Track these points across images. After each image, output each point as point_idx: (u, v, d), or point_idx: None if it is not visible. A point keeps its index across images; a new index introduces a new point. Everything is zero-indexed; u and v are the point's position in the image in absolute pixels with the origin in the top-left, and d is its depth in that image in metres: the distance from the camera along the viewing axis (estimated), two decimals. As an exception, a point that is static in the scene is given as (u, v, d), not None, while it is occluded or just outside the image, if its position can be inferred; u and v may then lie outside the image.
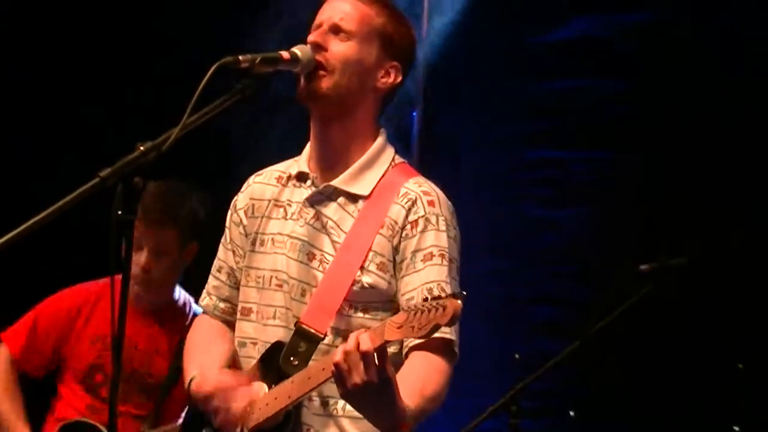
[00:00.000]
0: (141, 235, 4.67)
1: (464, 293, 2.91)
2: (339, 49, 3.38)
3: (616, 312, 4.51)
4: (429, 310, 2.89)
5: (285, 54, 3.27)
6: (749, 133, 5.93)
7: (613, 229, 6.20)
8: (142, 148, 2.87)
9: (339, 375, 3.00)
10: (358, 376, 2.97)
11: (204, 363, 3.47)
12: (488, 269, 6.10)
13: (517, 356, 5.20)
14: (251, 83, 3.10)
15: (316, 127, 3.47)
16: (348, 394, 3.05)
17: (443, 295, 3.04)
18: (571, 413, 6.37)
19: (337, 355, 2.99)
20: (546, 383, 4.84)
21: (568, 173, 6.50)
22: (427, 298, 2.94)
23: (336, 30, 3.41)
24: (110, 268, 2.80)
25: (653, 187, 6.18)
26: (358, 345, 2.96)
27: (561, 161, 6.54)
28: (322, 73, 3.36)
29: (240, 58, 3.09)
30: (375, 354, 2.96)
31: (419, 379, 3.22)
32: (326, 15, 3.45)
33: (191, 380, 3.43)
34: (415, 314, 2.92)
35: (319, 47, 3.37)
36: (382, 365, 2.98)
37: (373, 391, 2.99)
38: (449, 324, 2.88)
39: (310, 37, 3.40)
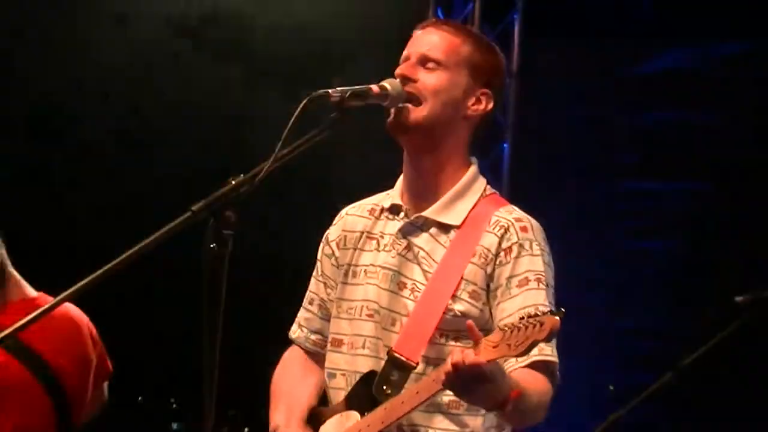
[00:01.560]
0: None
1: (563, 310, 2.87)
2: (428, 80, 3.37)
3: (711, 344, 4.43)
4: (526, 327, 2.86)
5: (375, 88, 3.26)
6: None
7: (707, 261, 6.15)
8: (233, 181, 2.88)
9: (453, 388, 3.04)
10: (468, 388, 3.00)
11: (290, 406, 3.50)
12: (581, 301, 6.08)
13: (611, 388, 5.15)
14: (342, 117, 3.11)
15: (408, 159, 3.46)
16: (465, 399, 3.14)
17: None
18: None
19: (442, 375, 3.00)
20: (637, 416, 4.79)
21: (662, 205, 6.47)
22: (523, 317, 2.92)
23: (424, 61, 3.39)
24: (203, 301, 2.81)
25: (747, 218, 6.12)
26: (459, 363, 2.95)
27: (654, 193, 6.51)
28: (412, 106, 3.36)
29: (330, 91, 3.08)
30: (475, 371, 2.95)
31: (524, 378, 3.17)
32: (414, 47, 3.44)
33: (275, 429, 3.45)
34: (511, 332, 2.90)
35: (407, 79, 3.36)
36: (486, 368, 2.96)
37: (484, 388, 3.00)
38: (547, 340, 2.86)
39: (398, 70, 3.39)
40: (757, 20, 6.26)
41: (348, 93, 3.12)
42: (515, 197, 3.62)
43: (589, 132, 6.46)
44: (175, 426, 7.66)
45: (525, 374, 3.17)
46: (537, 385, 3.21)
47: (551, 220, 3.51)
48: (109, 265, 2.79)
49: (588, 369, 6.11)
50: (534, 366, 3.20)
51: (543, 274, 3.31)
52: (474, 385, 2.98)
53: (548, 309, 3.22)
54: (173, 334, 6.84)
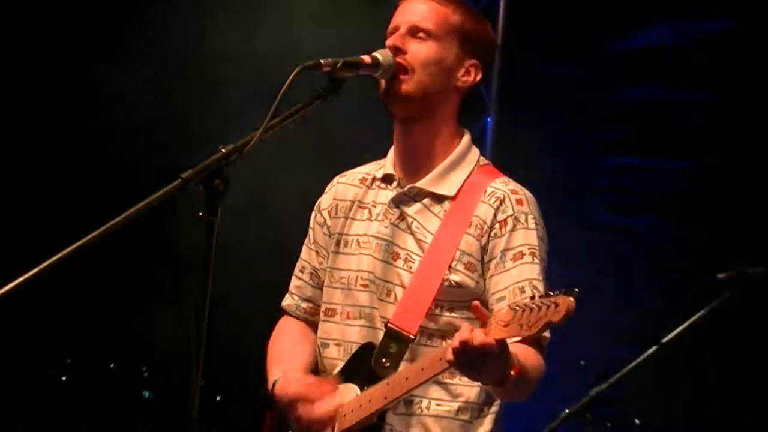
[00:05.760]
0: None
1: (577, 290, 2.83)
2: (419, 50, 3.37)
3: (693, 319, 4.45)
4: (539, 308, 2.82)
5: (366, 58, 3.27)
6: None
7: (690, 238, 6.16)
8: (223, 150, 2.88)
9: (459, 366, 3.01)
10: (473, 366, 2.98)
11: (287, 366, 3.47)
12: (561, 277, 6.08)
13: (582, 363, 5.16)
14: (333, 87, 3.10)
15: (399, 130, 3.46)
16: (469, 376, 3.11)
17: (536, 293, 3.05)
18: (637, 421, 6.34)
19: (449, 354, 2.98)
20: (612, 391, 4.82)
21: (644, 181, 6.47)
22: (534, 296, 2.89)
23: (414, 31, 3.39)
24: (203, 266, 2.81)
25: (730, 195, 6.14)
26: (468, 341, 2.92)
27: (637, 169, 6.51)
28: (403, 76, 3.35)
29: (321, 62, 3.09)
30: (484, 350, 2.94)
31: (522, 354, 3.16)
32: (403, 17, 3.44)
33: (274, 383, 3.43)
34: (523, 312, 2.86)
35: (398, 50, 3.35)
36: (495, 347, 2.94)
37: (490, 366, 2.99)
38: (561, 322, 2.81)
39: (389, 41, 3.39)
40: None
41: (339, 63, 3.12)
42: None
43: (572, 108, 6.44)
44: (146, 394, 7.64)
45: (522, 350, 3.16)
46: (533, 362, 3.21)
47: (533, 195, 3.50)
48: (98, 231, 2.79)
49: (566, 343, 6.12)
50: (527, 341, 3.19)
51: (537, 248, 3.32)
52: (479, 363, 2.96)
53: (541, 285, 3.25)
54: (147, 301, 6.82)
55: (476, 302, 3.06)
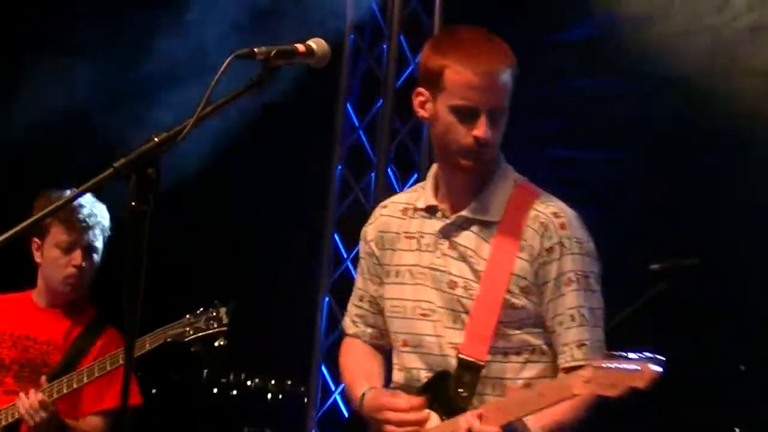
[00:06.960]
0: (74, 238, 4.87)
1: (663, 359, 3.02)
2: (497, 131, 3.47)
3: (627, 311, 4.50)
4: (625, 371, 3.00)
5: (300, 47, 3.24)
6: (760, 133, 5.95)
7: (624, 229, 6.20)
8: (156, 139, 2.85)
9: None
10: None
11: (373, 381, 3.65)
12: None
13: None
14: (266, 75, 3.08)
15: (448, 173, 3.54)
16: None
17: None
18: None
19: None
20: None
21: (579, 172, 6.51)
22: (616, 355, 3.06)
23: (495, 115, 3.46)
24: (125, 256, 2.77)
25: (664, 187, 6.18)
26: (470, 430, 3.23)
27: (572, 160, 6.54)
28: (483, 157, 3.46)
29: (255, 50, 3.06)
30: None
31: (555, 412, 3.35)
32: (485, 98, 3.46)
33: (363, 394, 3.58)
34: (606, 370, 3.03)
35: (487, 143, 3.43)
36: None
37: None
38: (645, 389, 3.01)
39: (476, 132, 3.43)
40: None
41: (273, 51, 3.10)
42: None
43: (511, 100, 6.45)
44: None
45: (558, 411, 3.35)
46: (568, 417, 3.42)
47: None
48: (30, 221, 2.76)
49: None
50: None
51: (582, 271, 3.48)
52: None
53: (588, 311, 3.47)
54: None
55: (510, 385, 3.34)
